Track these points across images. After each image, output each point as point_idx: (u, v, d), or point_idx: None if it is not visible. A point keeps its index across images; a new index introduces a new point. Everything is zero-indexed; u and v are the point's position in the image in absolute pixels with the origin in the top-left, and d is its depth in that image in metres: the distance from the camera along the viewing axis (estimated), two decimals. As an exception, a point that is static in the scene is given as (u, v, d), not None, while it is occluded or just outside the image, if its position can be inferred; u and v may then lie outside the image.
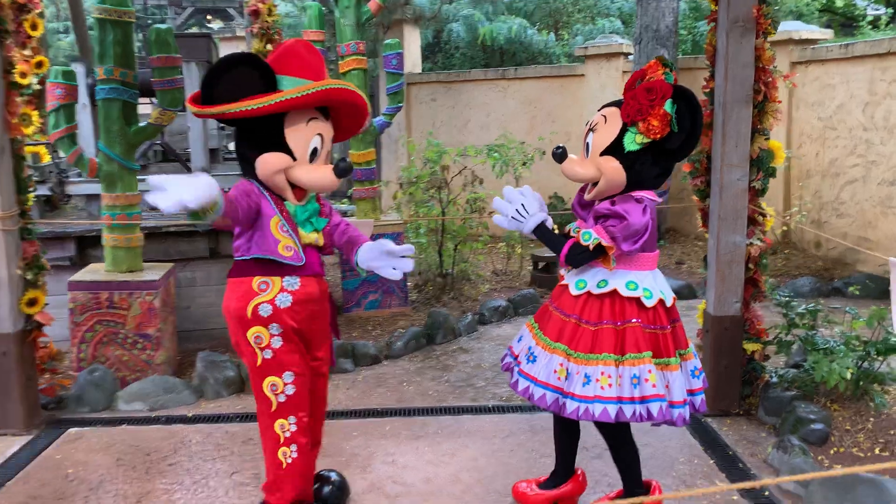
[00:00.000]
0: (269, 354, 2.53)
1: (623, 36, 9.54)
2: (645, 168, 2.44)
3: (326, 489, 2.84)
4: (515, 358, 2.70)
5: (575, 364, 2.47)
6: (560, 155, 2.49)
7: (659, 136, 2.37)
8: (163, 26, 4.29)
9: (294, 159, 2.45)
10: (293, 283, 2.53)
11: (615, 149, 2.44)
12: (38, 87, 4.77)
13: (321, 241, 2.64)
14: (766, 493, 2.95)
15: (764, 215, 3.64)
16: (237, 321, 2.54)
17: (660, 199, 2.55)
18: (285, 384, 2.55)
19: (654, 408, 2.42)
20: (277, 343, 2.53)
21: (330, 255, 2.83)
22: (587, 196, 2.57)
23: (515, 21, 11.07)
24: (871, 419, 3.31)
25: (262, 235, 2.48)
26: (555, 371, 2.50)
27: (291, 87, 2.39)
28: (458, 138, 8.66)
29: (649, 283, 2.51)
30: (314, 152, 2.48)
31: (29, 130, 4.68)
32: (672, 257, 7.05)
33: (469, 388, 4.11)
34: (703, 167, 3.72)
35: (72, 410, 3.88)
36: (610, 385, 2.41)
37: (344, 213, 6.44)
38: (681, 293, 5.69)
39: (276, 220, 2.49)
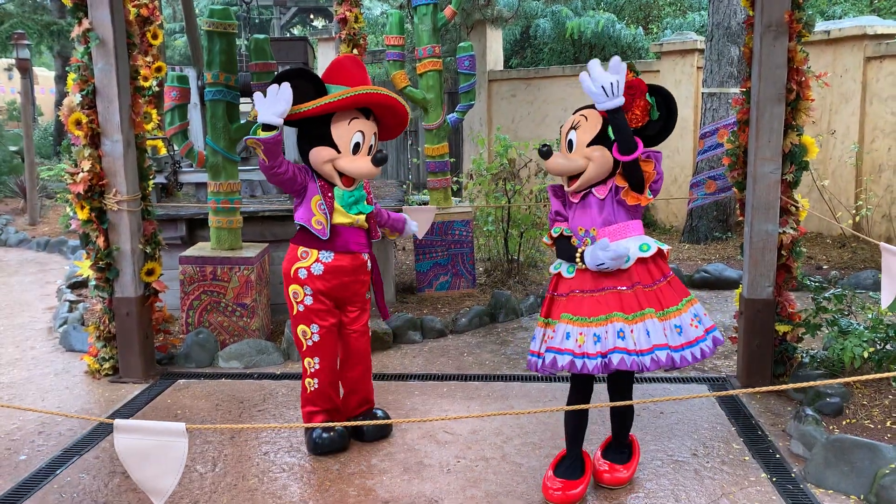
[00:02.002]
0: (301, 308, 3.24)
1: (700, 32, 9.64)
2: None
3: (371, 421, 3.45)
4: (540, 356, 2.87)
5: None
6: (546, 153, 2.85)
7: (640, 124, 2.79)
8: (260, 36, 4.91)
9: (338, 152, 3.07)
10: (327, 256, 3.21)
11: (601, 139, 2.81)
12: (157, 89, 5.52)
13: (366, 224, 3.28)
14: (778, 456, 3.27)
15: (797, 206, 3.90)
16: (285, 277, 3.26)
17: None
18: (312, 333, 3.26)
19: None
20: (309, 301, 3.23)
21: (377, 238, 3.43)
22: (571, 188, 2.88)
23: (603, 16, 11.28)
24: (891, 396, 3.54)
25: (306, 209, 3.15)
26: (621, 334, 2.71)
27: (339, 92, 3.03)
28: (537, 132, 9.05)
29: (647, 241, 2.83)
30: (357, 146, 3.11)
31: (149, 126, 5.44)
32: (738, 251, 7.20)
33: (522, 360, 4.54)
34: (741, 160, 4.01)
35: (181, 365, 4.56)
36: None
37: (424, 203, 6.96)
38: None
39: (316, 199, 3.14)
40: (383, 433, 3.50)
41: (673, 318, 2.77)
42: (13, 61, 11.31)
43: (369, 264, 3.36)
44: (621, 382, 3.01)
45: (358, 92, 3.04)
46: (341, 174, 3.13)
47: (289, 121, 3.12)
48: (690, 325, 2.79)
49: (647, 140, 2.83)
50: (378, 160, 3.10)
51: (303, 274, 3.19)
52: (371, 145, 3.17)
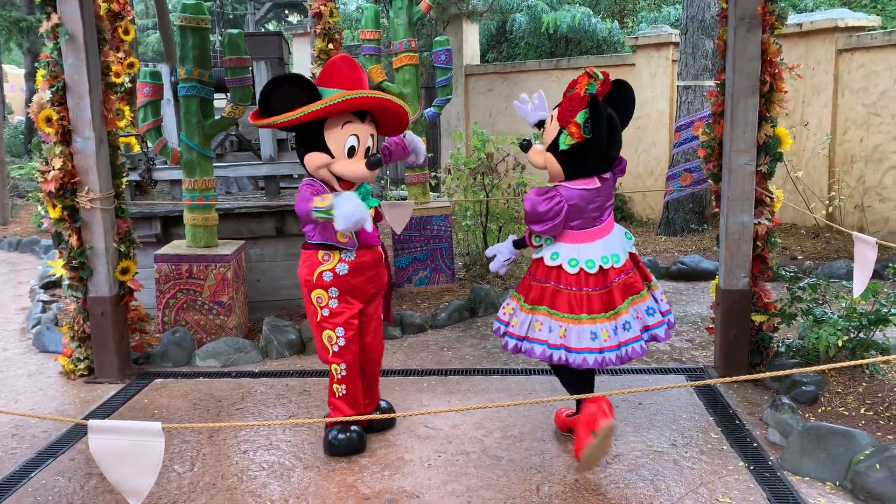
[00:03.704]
0: (326, 312, 3.20)
1: (675, 26, 9.70)
2: (576, 163, 2.95)
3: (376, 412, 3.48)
4: (507, 324, 3.26)
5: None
6: (525, 146, 3.01)
7: (578, 140, 2.87)
8: (234, 31, 4.84)
9: (332, 157, 3.03)
10: (349, 255, 3.17)
11: (553, 146, 2.96)
12: (129, 85, 5.45)
13: (371, 219, 3.21)
14: (755, 445, 3.30)
15: (772, 197, 3.94)
16: (306, 284, 3.20)
17: (598, 185, 3.01)
18: (338, 337, 3.23)
19: (591, 358, 3.01)
20: (334, 304, 3.19)
21: (381, 220, 3.50)
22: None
23: (579, 10, 11.30)
24: (864, 383, 3.59)
25: (324, 225, 3.06)
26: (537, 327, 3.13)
27: (330, 97, 2.96)
28: (514, 127, 9.04)
29: (576, 254, 3.02)
30: (352, 150, 3.05)
31: (122, 123, 5.37)
32: (715, 242, 7.27)
33: (502, 355, 4.55)
34: (716, 153, 4.03)
35: (157, 365, 4.51)
36: (563, 335, 3.05)
37: (402, 198, 6.94)
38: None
39: None
40: (385, 424, 3.56)
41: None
42: (-19, 58, 11.09)
43: (384, 255, 3.38)
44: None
45: (346, 97, 2.95)
46: (338, 178, 3.09)
47: (282, 128, 3.09)
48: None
49: (595, 152, 2.93)
50: (372, 163, 3.04)
51: (327, 277, 3.15)
52: (368, 147, 3.11)
